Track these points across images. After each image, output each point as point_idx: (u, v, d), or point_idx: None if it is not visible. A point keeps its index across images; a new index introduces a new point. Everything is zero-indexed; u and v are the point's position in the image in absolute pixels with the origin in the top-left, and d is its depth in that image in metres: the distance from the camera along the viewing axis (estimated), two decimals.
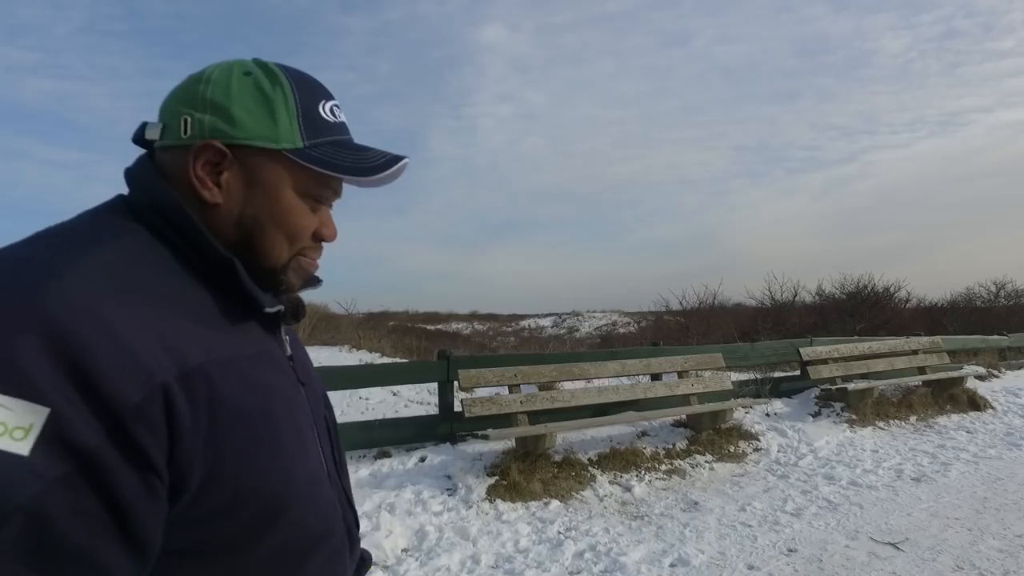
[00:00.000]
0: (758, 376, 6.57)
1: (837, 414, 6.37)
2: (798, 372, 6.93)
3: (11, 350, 0.47)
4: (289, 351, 0.74)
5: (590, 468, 4.57)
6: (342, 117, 0.72)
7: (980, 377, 8.50)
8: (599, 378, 5.77)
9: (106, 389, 0.49)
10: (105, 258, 0.57)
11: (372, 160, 0.69)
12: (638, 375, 5.87)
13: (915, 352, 7.53)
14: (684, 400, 5.53)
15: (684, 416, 5.41)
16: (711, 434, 5.29)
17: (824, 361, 6.66)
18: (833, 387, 6.23)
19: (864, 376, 7.28)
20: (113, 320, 0.52)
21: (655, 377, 5.83)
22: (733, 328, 13.20)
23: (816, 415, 6.34)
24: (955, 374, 7.11)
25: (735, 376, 6.90)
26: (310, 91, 0.70)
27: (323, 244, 0.73)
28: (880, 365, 7.04)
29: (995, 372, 8.70)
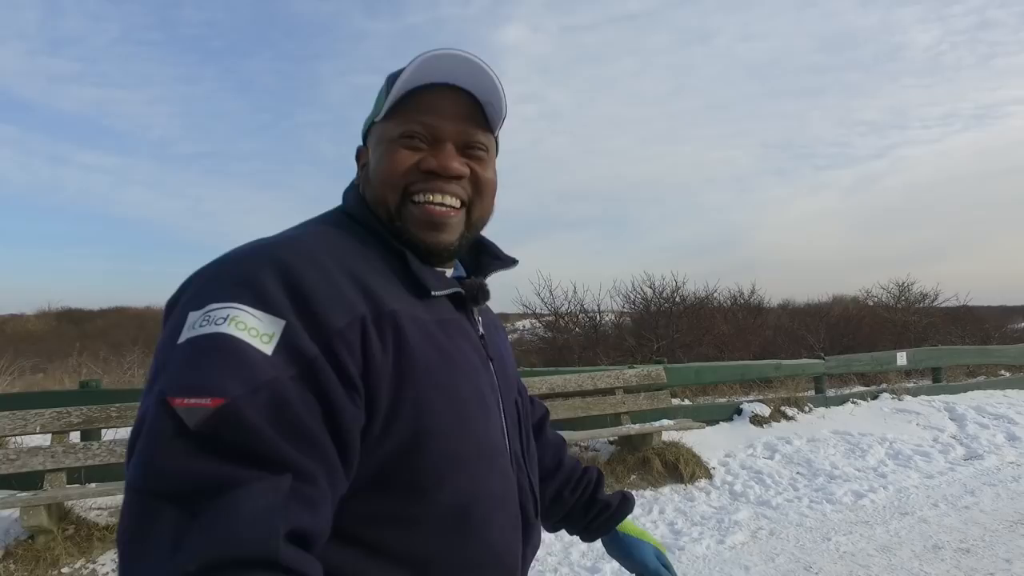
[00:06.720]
0: None
1: None
2: None
3: (260, 280, 0.64)
4: (482, 331, 0.83)
5: None
6: None
7: (759, 420, 6.14)
8: None
9: (320, 314, 0.64)
10: (324, 231, 0.75)
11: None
12: None
13: (611, 391, 5.23)
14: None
15: None
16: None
17: None
18: None
19: None
20: (326, 265, 0.68)
21: None
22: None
23: None
24: (639, 428, 4.81)
25: None
26: (409, 63, 0.78)
27: (444, 179, 0.77)
28: None
29: (789, 412, 6.28)
